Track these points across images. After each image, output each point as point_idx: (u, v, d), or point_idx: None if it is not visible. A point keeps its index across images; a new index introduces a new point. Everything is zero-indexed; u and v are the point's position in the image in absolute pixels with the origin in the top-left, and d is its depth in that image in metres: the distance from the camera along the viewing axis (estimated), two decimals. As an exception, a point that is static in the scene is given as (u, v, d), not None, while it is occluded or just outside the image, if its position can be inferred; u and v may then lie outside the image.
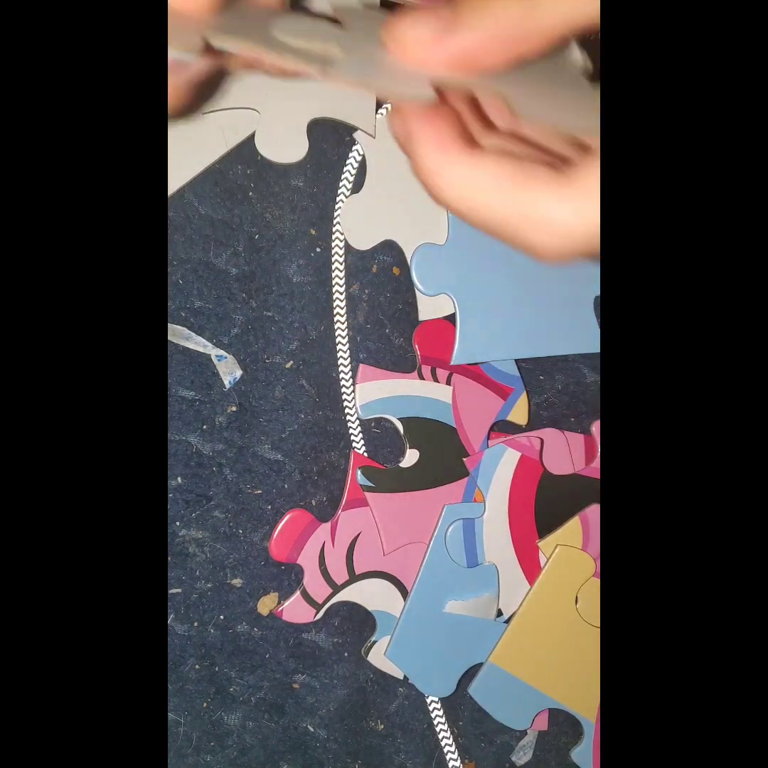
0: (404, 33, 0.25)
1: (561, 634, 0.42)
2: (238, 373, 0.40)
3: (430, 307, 0.41)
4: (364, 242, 0.41)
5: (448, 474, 0.42)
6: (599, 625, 0.42)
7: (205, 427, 0.40)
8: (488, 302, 0.41)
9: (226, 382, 0.40)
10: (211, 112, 0.38)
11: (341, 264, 0.41)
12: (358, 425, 0.41)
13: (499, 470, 0.42)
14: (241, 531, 0.41)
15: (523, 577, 0.42)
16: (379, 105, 0.39)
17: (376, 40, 0.26)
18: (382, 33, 0.26)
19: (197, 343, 0.40)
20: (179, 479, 0.40)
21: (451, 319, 0.41)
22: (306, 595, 0.41)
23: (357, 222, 0.41)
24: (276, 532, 0.40)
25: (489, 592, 0.42)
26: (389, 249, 0.41)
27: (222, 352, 0.40)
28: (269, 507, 0.41)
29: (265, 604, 0.41)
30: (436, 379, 0.41)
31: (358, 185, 0.40)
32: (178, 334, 0.40)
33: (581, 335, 0.42)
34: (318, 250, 0.41)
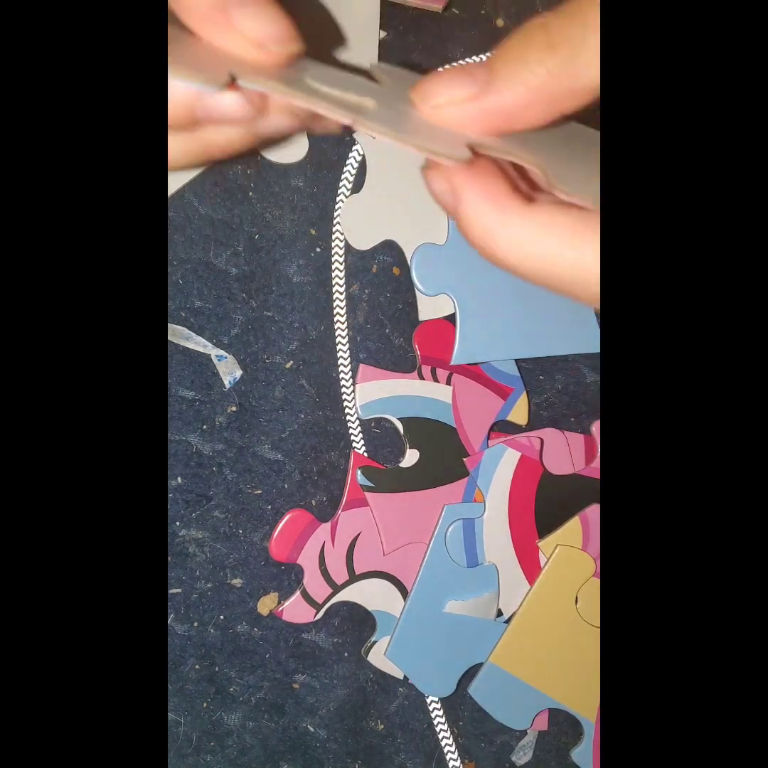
0: (437, 93, 0.25)
1: (561, 634, 0.42)
2: (238, 373, 0.40)
3: (430, 307, 0.41)
4: (364, 242, 0.41)
5: (448, 474, 0.42)
6: (599, 625, 0.42)
7: (205, 427, 0.40)
8: (488, 302, 0.41)
9: (226, 382, 0.40)
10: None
11: (341, 264, 0.41)
12: (358, 425, 0.41)
13: (499, 470, 0.42)
14: (241, 531, 0.41)
15: (523, 577, 0.42)
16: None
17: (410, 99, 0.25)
18: (412, 94, 0.25)
19: (197, 343, 0.40)
20: (179, 479, 0.40)
21: (451, 319, 0.41)
22: (306, 595, 0.41)
23: (357, 222, 0.41)
24: (276, 532, 0.41)
25: (489, 592, 0.42)
26: (389, 249, 0.41)
27: (222, 352, 0.40)
28: (269, 507, 0.41)
29: (265, 604, 0.41)
30: (436, 379, 0.41)
31: (358, 185, 0.40)
32: (178, 334, 0.40)
33: (581, 335, 0.42)
34: (318, 250, 0.41)
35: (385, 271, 0.42)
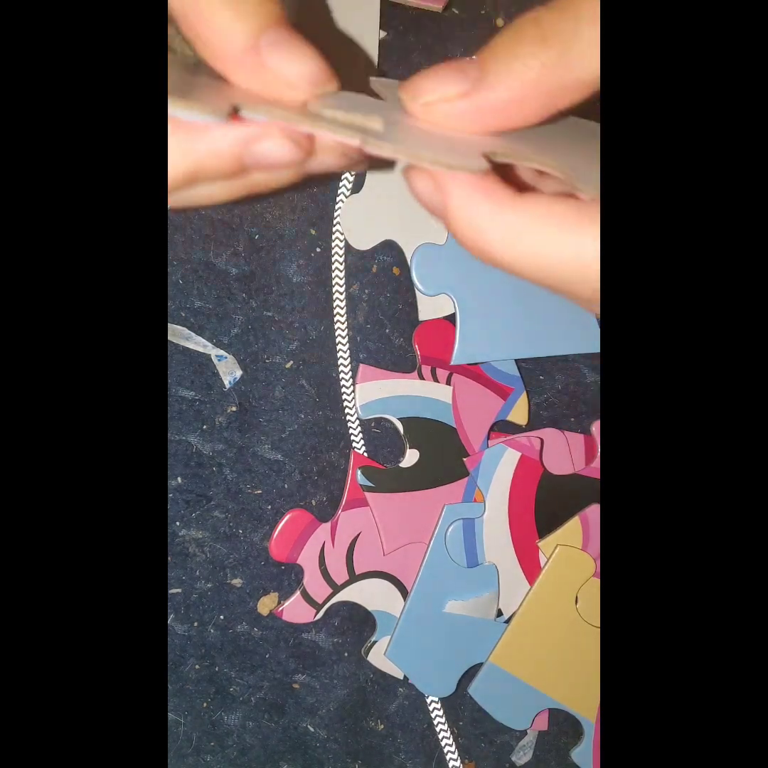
0: (427, 90, 0.24)
1: (561, 634, 0.42)
2: (238, 373, 0.40)
3: (430, 307, 0.41)
4: (364, 242, 0.41)
5: (448, 474, 0.42)
6: (599, 625, 0.42)
7: (205, 427, 0.40)
8: (488, 302, 0.41)
9: (226, 382, 0.40)
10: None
11: (341, 264, 0.41)
12: (358, 425, 0.41)
13: (499, 470, 0.42)
14: (241, 531, 0.41)
15: (523, 577, 0.42)
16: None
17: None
18: (403, 95, 0.24)
19: (197, 343, 0.40)
20: (179, 479, 0.40)
21: (451, 319, 0.41)
22: (306, 595, 0.41)
23: (357, 222, 0.41)
24: (276, 532, 0.41)
25: (489, 592, 0.42)
26: (389, 249, 0.41)
27: (222, 352, 0.40)
28: (269, 507, 0.41)
29: (265, 604, 0.41)
30: (436, 379, 0.41)
31: (358, 185, 0.40)
32: (178, 334, 0.40)
33: (581, 335, 0.42)
34: (318, 250, 0.41)
35: (385, 271, 0.42)
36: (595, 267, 0.23)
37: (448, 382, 0.42)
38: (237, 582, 0.41)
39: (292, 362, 0.41)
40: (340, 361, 0.41)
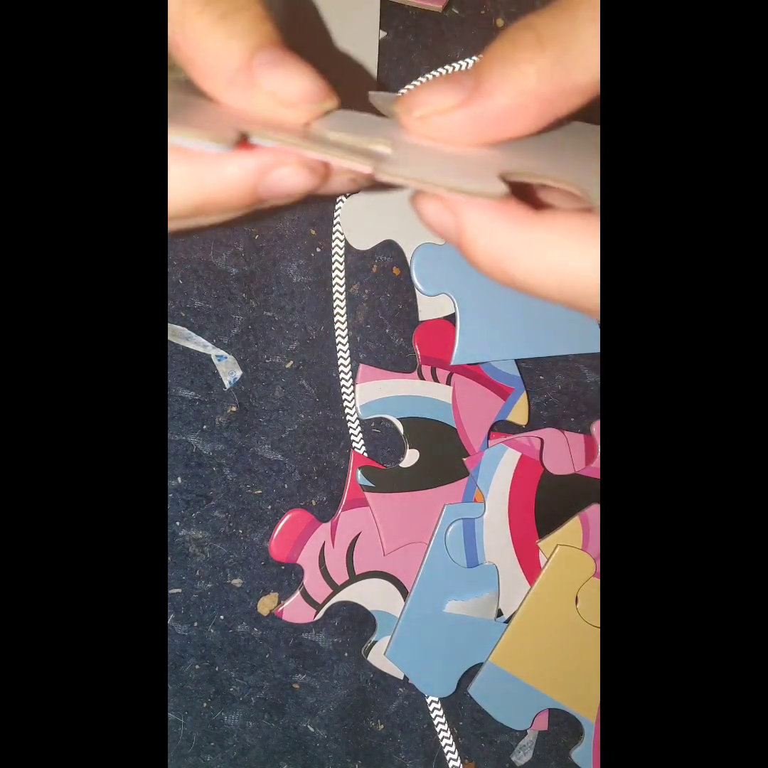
0: (421, 103, 0.23)
1: (561, 634, 0.42)
2: (238, 373, 0.40)
3: (430, 307, 0.41)
4: (364, 242, 0.41)
5: (448, 474, 0.42)
6: (599, 625, 0.42)
7: (205, 427, 0.40)
8: (488, 302, 0.41)
9: (226, 382, 0.40)
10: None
11: (341, 264, 0.41)
12: (358, 425, 0.41)
13: (499, 470, 0.42)
14: (241, 531, 0.41)
15: (523, 577, 0.42)
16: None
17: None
18: (398, 109, 0.24)
19: (197, 343, 0.40)
20: (179, 479, 0.40)
21: (451, 319, 0.41)
22: (306, 595, 0.41)
23: (357, 222, 0.41)
24: (276, 532, 0.41)
25: (489, 592, 0.42)
26: (389, 249, 0.41)
27: (222, 352, 0.40)
28: (269, 507, 0.41)
29: (265, 604, 0.41)
30: (436, 379, 0.41)
31: (353, 192, 0.40)
32: (178, 334, 0.40)
33: (581, 335, 0.42)
34: (318, 250, 0.41)
35: (385, 271, 0.42)
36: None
37: (448, 382, 0.42)
38: (237, 582, 0.41)
39: (292, 362, 0.41)
40: (340, 361, 0.41)
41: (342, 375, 0.41)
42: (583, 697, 0.43)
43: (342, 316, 0.41)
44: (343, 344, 0.41)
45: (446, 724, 0.43)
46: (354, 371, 0.41)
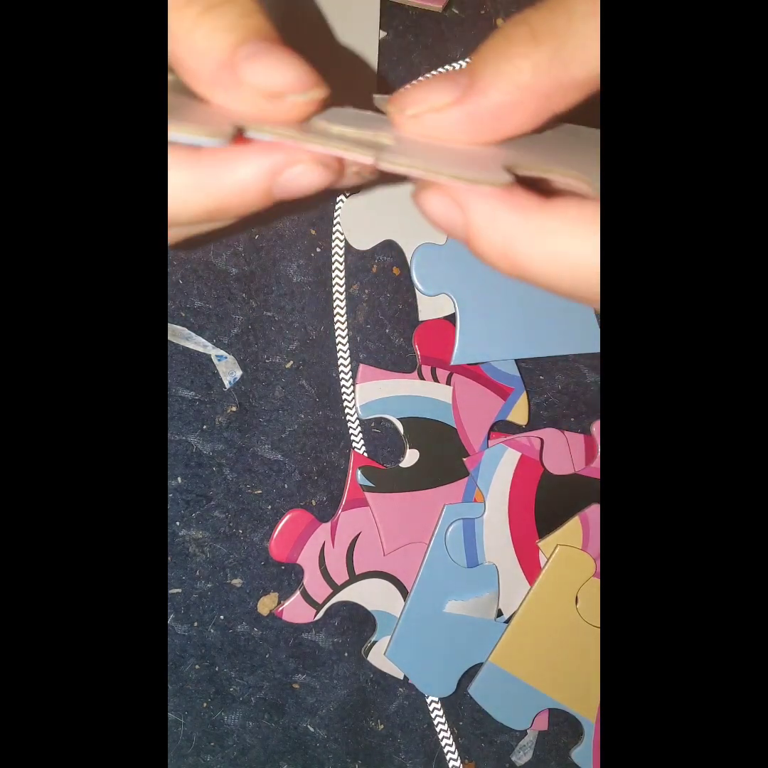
0: (414, 101, 0.23)
1: (561, 634, 0.42)
2: (238, 373, 0.40)
3: (430, 307, 0.41)
4: (364, 242, 0.41)
5: (448, 474, 0.42)
6: (599, 625, 0.42)
7: (205, 427, 0.40)
8: (488, 302, 0.41)
9: (226, 382, 0.40)
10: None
11: (341, 264, 0.41)
12: (358, 425, 0.41)
13: (499, 470, 0.42)
14: (241, 531, 0.41)
15: (523, 577, 0.42)
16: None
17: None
18: (391, 107, 0.23)
19: (197, 343, 0.40)
20: (179, 479, 0.40)
21: (451, 319, 0.41)
22: (306, 595, 0.41)
23: (357, 222, 0.41)
24: (276, 532, 0.41)
25: (489, 592, 0.42)
26: (389, 249, 0.41)
27: (222, 352, 0.40)
28: (269, 507, 0.41)
29: (265, 604, 0.41)
30: (436, 379, 0.41)
31: (356, 188, 0.40)
32: (178, 334, 0.40)
33: (581, 335, 0.42)
34: (318, 250, 0.41)
35: (385, 271, 0.42)
36: None
37: (448, 382, 0.42)
38: (237, 582, 0.41)
39: (292, 362, 0.41)
40: (340, 361, 0.41)
41: (342, 375, 0.41)
42: (583, 697, 0.43)
43: (342, 316, 0.41)
44: (343, 344, 0.41)
45: (446, 724, 0.43)
46: (354, 371, 0.41)
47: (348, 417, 0.41)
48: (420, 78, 0.40)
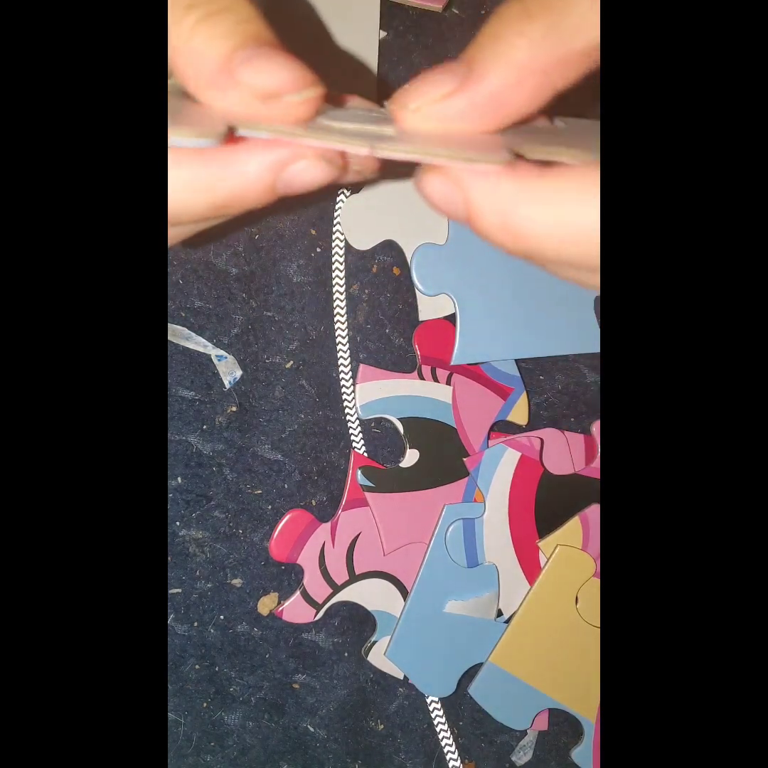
0: (414, 96, 0.23)
1: (561, 634, 0.42)
2: (238, 373, 0.40)
3: (430, 307, 0.41)
4: (364, 242, 0.41)
5: (448, 474, 0.42)
6: (599, 625, 0.42)
7: (205, 427, 0.40)
8: (488, 302, 0.41)
9: (226, 382, 0.40)
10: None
11: (341, 264, 0.41)
12: (358, 425, 0.41)
13: (499, 470, 0.42)
14: (241, 531, 0.41)
15: (523, 577, 0.42)
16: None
17: None
18: (392, 106, 0.23)
19: (197, 343, 0.40)
20: (179, 479, 0.40)
21: (451, 319, 0.41)
22: (306, 595, 0.41)
23: (357, 222, 0.41)
24: (276, 532, 0.41)
25: (489, 592, 0.42)
26: (389, 249, 0.41)
27: (222, 352, 0.40)
28: (269, 507, 0.41)
29: (265, 604, 0.41)
30: (436, 379, 0.41)
31: (355, 186, 0.40)
32: (178, 334, 0.40)
33: (581, 335, 0.42)
34: (318, 250, 0.41)
35: (385, 271, 0.42)
36: None
37: (448, 382, 0.42)
38: (237, 582, 0.41)
39: (292, 362, 0.41)
40: (340, 361, 0.41)
41: (342, 375, 0.41)
42: (583, 697, 0.43)
43: (342, 316, 0.41)
44: (343, 344, 0.41)
45: (446, 724, 0.43)
46: (354, 371, 0.41)
47: (348, 417, 0.41)
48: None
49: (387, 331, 0.42)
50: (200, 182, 0.22)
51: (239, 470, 0.41)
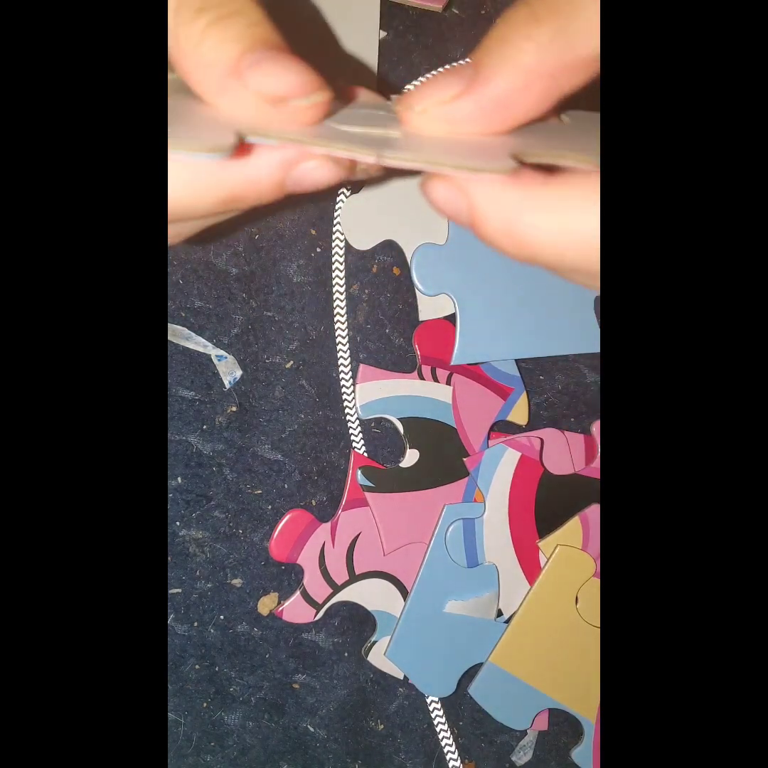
0: (421, 98, 0.23)
1: (561, 634, 0.42)
2: (238, 373, 0.40)
3: (430, 307, 0.41)
4: (364, 242, 0.41)
5: (448, 474, 0.42)
6: (599, 625, 0.42)
7: (205, 427, 0.40)
8: (488, 302, 0.41)
9: (226, 382, 0.40)
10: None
11: (341, 264, 0.41)
12: (358, 425, 0.41)
13: (499, 470, 0.42)
14: (241, 531, 0.41)
15: (523, 577, 0.42)
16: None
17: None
18: (398, 107, 0.23)
19: (197, 343, 0.40)
20: (179, 479, 0.40)
21: (451, 319, 0.41)
22: (306, 595, 0.41)
23: (357, 222, 0.41)
24: (276, 532, 0.41)
25: (489, 592, 0.42)
26: (389, 249, 0.41)
27: (222, 352, 0.40)
28: (269, 507, 0.41)
29: (265, 604, 0.41)
30: (436, 379, 0.41)
31: (358, 185, 0.40)
32: (178, 334, 0.40)
33: (581, 335, 0.42)
34: (318, 250, 0.41)
35: (385, 271, 0.42)
36: None
37: (448, 382, 0.42)
38: (237, 582, 0.41)
39: (292, 362, 0.41)
40: (340, 361, 0.41)
41: (342, 375, 0.41)
42: (583, 697, 0.43)
43: (342, 316, 0.41)
44: (343, 344, 0.41)
45: (446, 724, 0.43)
46: (354, 371, 0.41)
47: (348, 417, 0.41)
48: (426, 78, 0.40)
49: (387, 331, 0.42)
50: (211, 176, 0.22)
51: (239, 470, 0.41)
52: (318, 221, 0.41)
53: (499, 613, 0.42)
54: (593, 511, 0.42)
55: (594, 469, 0.43)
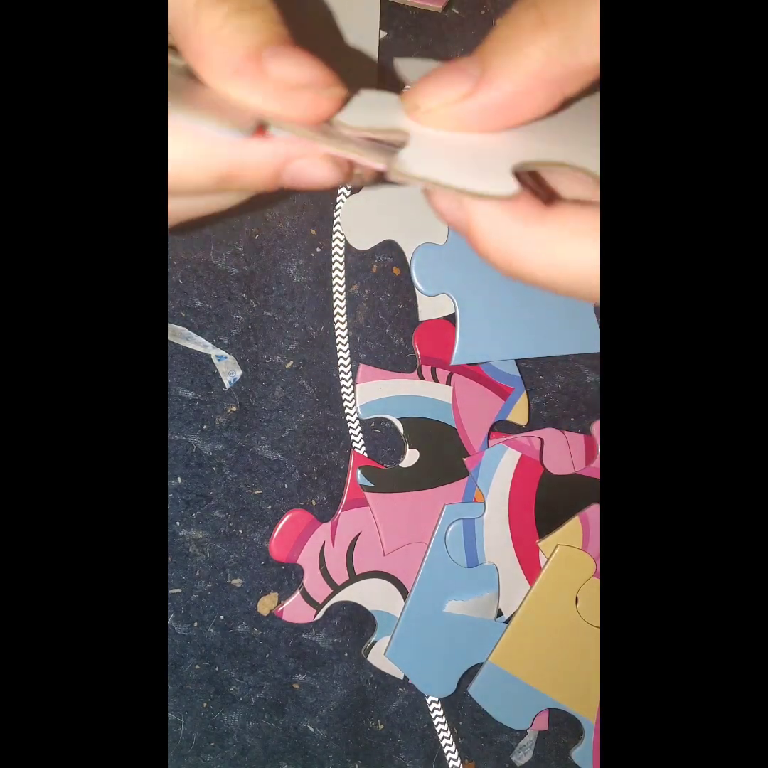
0: (428, 97, 0.23)
1: (561, 634, 0.42)
2: (238, 373, 0.40)
3: (430, 307, 0.41)
4: (364, 242, 0.41)
5: (448, 474, 0.42)
6: (599, 625, 0.42)
7: (205, 427, 0.40)
8: (488, 302, 0.41)
9: (226, 382, 0.40)
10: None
11: (341, 264, 0.41)
12: (358, 425, 0.41)
13: (499, 470, 0.42)
14: (241, 531, 0.41)
15: (523, 577, 0.42)
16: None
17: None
18: (404, 104, 0.24)
19: (197, 343, 0.40)
20: (179, 479, 0.40)
21: (451, 319, 0.41)
22: (306, 595, 0.41)
23: (357, 222, 0.41)
24: (276, 532, 0.41)
25: (489, 592, 0.42)
26: (389, 249, 0.41)
27: (222, 352, 0.40)
28: (269, 507, 0.41)
29: (265, 604, 0.41)
30: (436, 379, 0.41)
31: (357, 185, 0.40)
32: (178, 334, 0.40)
33: (581, 335, 0.42)
34: (318, 250, 0.41)
35: (385, 271, 0.42)
36: None
37: (448, 382, 0.42)
38: (237, 582, 0.41)
39: (292, 362, 0.41)
40: (340, 361, 0.41)
41: (342, 375, 0.41)
42: (583, 697, 0.43)
43: (342, 316, 0.41)
44: (343, 344, 0.41)
45: (446, 724, 0.43)
46: (354, 371, 0.41)
47: (348, 417, 0.41)
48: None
49: (387, 331, 0.42)
50: (210, 149, 0.23)
51: (239, 470, 0.41)
52: (318, 221, 0.41)
53: (499, 613, 0.42)
54: (593, 511, 0.42)
55: (594, 469, 0.43)
